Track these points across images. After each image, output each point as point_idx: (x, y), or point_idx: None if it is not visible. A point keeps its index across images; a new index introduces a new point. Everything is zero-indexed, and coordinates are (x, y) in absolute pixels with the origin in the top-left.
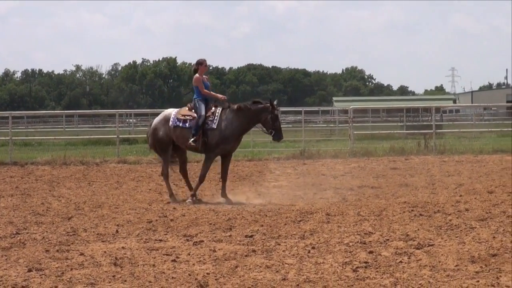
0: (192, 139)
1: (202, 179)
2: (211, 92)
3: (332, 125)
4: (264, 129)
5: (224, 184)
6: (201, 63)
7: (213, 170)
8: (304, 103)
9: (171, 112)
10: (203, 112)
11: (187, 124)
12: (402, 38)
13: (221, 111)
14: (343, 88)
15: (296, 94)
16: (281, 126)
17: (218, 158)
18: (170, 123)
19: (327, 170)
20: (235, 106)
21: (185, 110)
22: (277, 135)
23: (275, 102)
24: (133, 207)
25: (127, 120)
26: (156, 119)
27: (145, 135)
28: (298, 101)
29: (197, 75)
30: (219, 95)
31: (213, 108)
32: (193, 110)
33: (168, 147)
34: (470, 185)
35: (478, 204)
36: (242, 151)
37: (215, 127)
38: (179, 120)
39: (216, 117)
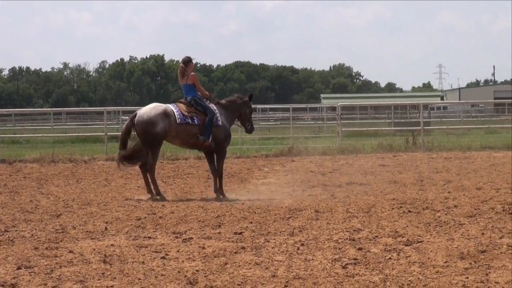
0: (210, 138)
1: (222, 174)
2: (203, 89)
3: (320, 122)
4: (239, 122)
5: (215, 180)
6: (190, 61)
7: (202, 168)
8: (292, 100)
9: (166, 106)
10: (213, 110)
11: (195, 121)
12: (389, 35)
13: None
14: (330, 85)
15: (284, 91)
16: (269, 123)
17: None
18: (178, 119)
19: (316, 167)
20: (224, 101)
21: (184, 106)
22: (252, 128)
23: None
24: (122, 205)
25: (119, 117)
26: (152, 112)
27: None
28: (286, 98)
29: (194, 72)
30: (206, 92)
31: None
32: (193, 108)
33: (161, 142)
34: (459, 182)
35: (466, 201)
36: (231, 148)
37: (221, 124)
38: (185, 116)
39: (217, 114)
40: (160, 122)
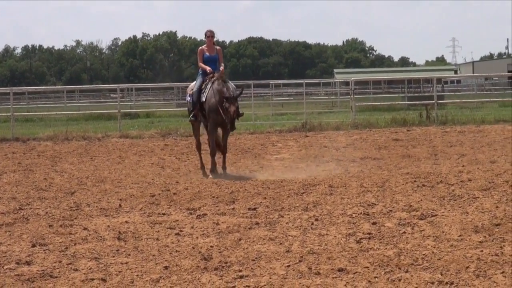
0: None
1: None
2: (202, 65)
3: (333, 97)
4: None
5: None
6: (204, 34)
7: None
8: (305, 75)
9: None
10: (195, 88)
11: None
12: (402, 8)
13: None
14: (344, 60)
15: (297, 66)
16: (282, 99)
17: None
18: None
19: (329, 142)
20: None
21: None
22: None
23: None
24: (136, 181)
25: (132, 95)
26: None
27: (145, 110)
28: (299, 73)
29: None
30: (207, 68)
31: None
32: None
33: None
34: (473, 155)
35: (480, 174)
36: (244, 124)
37: (204, 99)
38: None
39: (206, 90)
40: None
